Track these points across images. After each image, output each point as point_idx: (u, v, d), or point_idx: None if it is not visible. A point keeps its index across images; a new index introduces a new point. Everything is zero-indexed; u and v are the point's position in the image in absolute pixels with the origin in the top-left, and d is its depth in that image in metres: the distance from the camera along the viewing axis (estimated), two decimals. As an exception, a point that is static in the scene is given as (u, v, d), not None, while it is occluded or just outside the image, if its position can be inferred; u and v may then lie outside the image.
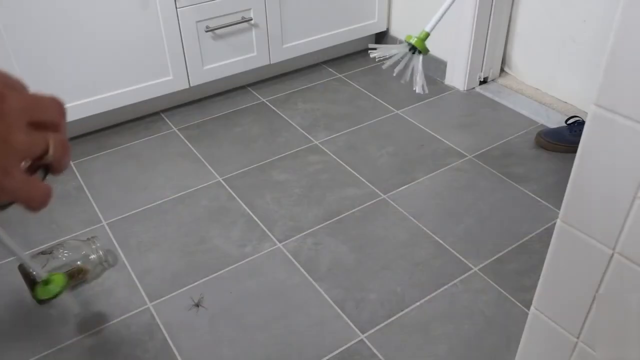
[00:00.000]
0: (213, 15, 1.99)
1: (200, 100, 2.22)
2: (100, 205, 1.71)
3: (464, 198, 1.71)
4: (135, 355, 1.28)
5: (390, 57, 1.40)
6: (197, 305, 1.40)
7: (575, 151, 1.89)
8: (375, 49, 1.42)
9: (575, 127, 1.87)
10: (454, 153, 1.90)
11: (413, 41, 1.38)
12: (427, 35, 1.37)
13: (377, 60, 1.41)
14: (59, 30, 1.74)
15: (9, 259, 1.53)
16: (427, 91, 1.42)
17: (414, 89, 1.40)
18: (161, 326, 1.35)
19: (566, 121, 1.91)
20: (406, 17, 2.41)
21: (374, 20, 2.41)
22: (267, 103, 2.20)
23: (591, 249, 0.75)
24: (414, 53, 1.41)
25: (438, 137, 1.97)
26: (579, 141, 1.93)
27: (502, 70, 2.32)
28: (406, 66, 1.41)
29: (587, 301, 0.79)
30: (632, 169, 0.66)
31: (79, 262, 1.43)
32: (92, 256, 1.45)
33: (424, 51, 1.38)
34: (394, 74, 1.40)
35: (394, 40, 2.47)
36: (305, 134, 2.01)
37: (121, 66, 1.91)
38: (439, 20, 1.34)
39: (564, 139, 1.86)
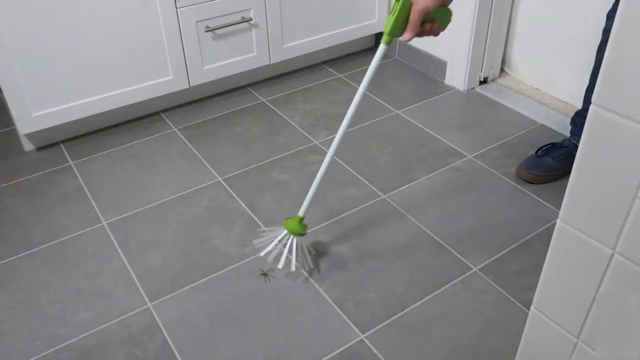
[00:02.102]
0: (213, 15, 1.99)
1: (200, 100, 2.22)
2: (100, 205, 1.71)
3: (464, 198, 1.71)
4: (135, 355, 1.28)
5: (270, 242, 1.44)
6: (265, 274, 1.44)
7: (564, 175, 1.85)
8: (263, 232, 1.49)
9: (554, 152, 1.75)
10: (454, 153, 1.90)
11: (287, 227, 1.41)
12: (301, 219, 1.40)
13: (256, 247, 1.47)
14: (59, 30, 1.74)
15: (9, 259, 1.53)
16: (307, 267, 1.45)
17: (290, 267, 1.43)
18: (161, 326, 1.35)
19: (536, 152, 1.78)
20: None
21: (374, 20, 2.41)
22: (267, 103, 2.20)
23: (591, 249, 0.75)
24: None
25: (438, 137, 1.98)
26: (566, 165, 1.88)
27: (502, 70, 2.32)
28: (285, 247, 1.44)
29: (587, 301, 0.79)
30: (632, 169, 0.66)
31: None
32: None
33: (298, 234, 1.41)
34: (268, 258, 1.44)
35: (394, 41, 2.46)
36: (305, 134, 2.01)
37: (121, 66, 1.91)
38: (310, 202, 1.39)
39: (551, 167, 1.73)
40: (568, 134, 1.92)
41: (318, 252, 1.52)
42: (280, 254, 1.43)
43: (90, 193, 1.76)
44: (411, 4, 1.14)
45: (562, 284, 0.82)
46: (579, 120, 1.76)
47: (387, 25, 1.17)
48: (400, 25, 1.17)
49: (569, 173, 1.79)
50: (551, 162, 1.74)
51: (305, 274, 1.47)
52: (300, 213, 1.40)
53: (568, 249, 0.79)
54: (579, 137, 1.71)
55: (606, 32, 1.59)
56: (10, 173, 1.85)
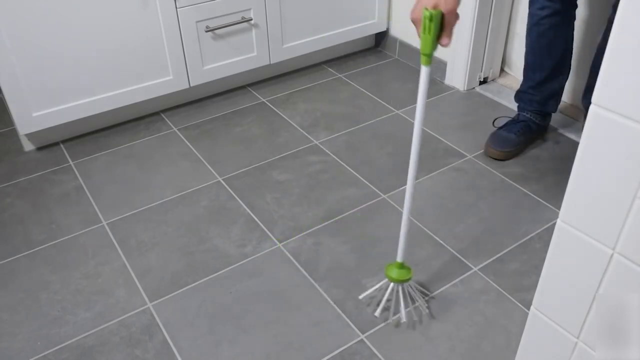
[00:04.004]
0: (213, 15, 1.99)
1: (200, 100, 2.22)
2: (100, 205, 1.71)
3: (464, 198, 1.71)
4: (135, 355, 1.28)
5: (380, 300, 1.38)
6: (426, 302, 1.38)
7: (527, 147, 1.92)
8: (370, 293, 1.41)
9: (513, 127, 1.87)
10: (454, 153, 1.90)
11: (389, 276, 1.33)
12: (400, 264, 1.33)
13: (363, 301, 1.39)
14: (59, 30, 1.74)
15: (9, 259, 1.53)
16: (423, 312, 1.37)
17: (399, 317, 1.36)
18: (161, 326, 1.35)
19: (498, 127, 1.91)
20: (406, 17, 2.41)
21: (374, 20, 2.41)
22: (267, 103, 2.20)
23: (591, 249, 0.75)
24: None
25: (438, 137, 1.98)
26: (528, 138, 1.94)
27: (502, 70, 2.32)
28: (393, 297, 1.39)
29: (587, 301, 0.79)
30: (632, 169, 0.66)
31: None
32: None
33: (403, 280, 1.33)
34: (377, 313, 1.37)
35: (394, 41, 2.47)
36: (305, 134, 2.01)
37: (121, 66, 1.91)
38: (404, 244, 1.31)
39: (516, 142, 1.85)
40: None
41: (425, 291, 1.43)
42: (388, 307, 1.37)
43: (90, 193, 1.76)
44: (441, 13, 1.07)
45: (562, 284, 0.82)
46: (524, 96, 1.89)
47: (425, 46, 1.09)
48: (436, 40, 1.10)
49: (531, 144, 1.90)
50: (514, 137, 1.86)
51: (305, 272, 1.47)
52: (399, 258, 1.32)
53: (568, 249, 0.79)
54: (529, 110, 1.89)
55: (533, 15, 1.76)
56: (10, 173, 1.85)
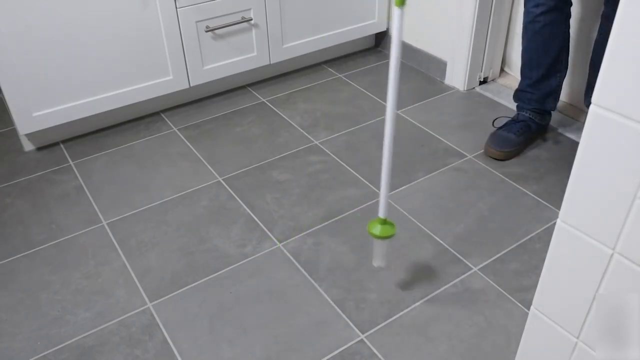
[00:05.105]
0: (213, 15, 1.99)
1: (200, 100, 2.22)
2: (100, 205, 1.71)
3: (464, 198, 1.71)
4: (135, 355, 1.28)
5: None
6: None
7: (527, 147, 1.93)
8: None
9: (513, 127, 1.87)
10: (454, 153, 1.90)
11: (373, 234, 1.32)
12: (383, 220, 1.31)
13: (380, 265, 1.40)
14: (59, 30, 1.74)
15: (9, 259, 1.53)
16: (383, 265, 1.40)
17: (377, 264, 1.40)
18: (161, 326, 1.35)
19: (498, 127, 1.91)
20: (406, 17, 2.41)
21: (374, 20, 2.41)
22: (267, 103, 2.20)
23: (591, 249, 0.75)
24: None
25: (438, 137, 1.98)
26: (527, 138, 1.94)
27: (502, 70, 2.32)
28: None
29: (587, 301, 0.79)
30: (632, 169, 0.66)
31: None
32: None
33: (388, 236, 1.33)
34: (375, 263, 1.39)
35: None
36: (305, 134, 2.01)
37: (121, 66, 1.91)
38: (386, 198, 1.30)
39: (515, 142, 1.85)
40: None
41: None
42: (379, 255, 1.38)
43: (90, 193, 1.76)
44: None
45: (562, 284, 0.82)
46: (522, 95, 1.90)
47: None
48: None
49: (531, 143, 1.91)
50: (514, 137, 1.86)
51: (305, 272, 1.47)
52: (381, 214, 1.30)
53: (568, 249, 0.79)
54: (528, 109, 1.89)
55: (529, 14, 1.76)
56: (10, 173, 1.85)
